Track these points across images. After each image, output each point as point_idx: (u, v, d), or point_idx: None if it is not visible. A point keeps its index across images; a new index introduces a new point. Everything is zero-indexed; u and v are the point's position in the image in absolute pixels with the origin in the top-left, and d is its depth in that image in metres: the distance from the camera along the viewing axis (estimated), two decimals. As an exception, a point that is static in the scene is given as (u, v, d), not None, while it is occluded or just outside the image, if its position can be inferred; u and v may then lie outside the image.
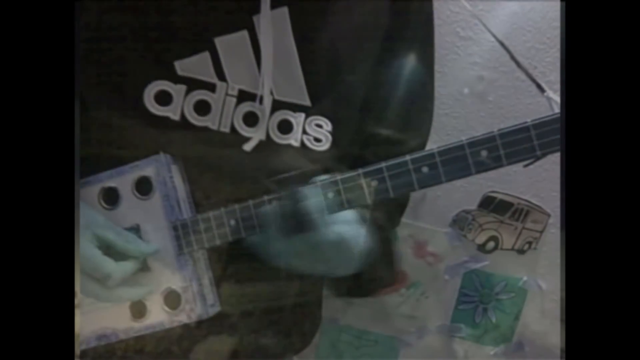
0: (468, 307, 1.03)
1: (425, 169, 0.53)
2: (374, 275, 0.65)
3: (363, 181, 0.54)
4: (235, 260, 0.63)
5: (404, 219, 0.83)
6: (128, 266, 0.58)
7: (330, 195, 0.54)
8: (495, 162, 0.52)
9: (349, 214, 0.56)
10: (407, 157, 0.53)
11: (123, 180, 0.61)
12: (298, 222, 0.53)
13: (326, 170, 0.63)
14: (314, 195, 0.53)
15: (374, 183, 0.54)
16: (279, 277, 0.65)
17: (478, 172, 0.52)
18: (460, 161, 0.52)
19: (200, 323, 0.62)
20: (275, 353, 0.70)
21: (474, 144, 0.52)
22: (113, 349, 0.62)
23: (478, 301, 1.03)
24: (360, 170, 0.54)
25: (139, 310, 0.61)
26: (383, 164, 0.54)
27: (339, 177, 0.54)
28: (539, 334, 1.04)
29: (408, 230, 0.98)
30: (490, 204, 0.99)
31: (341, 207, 0.54)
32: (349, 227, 0.56)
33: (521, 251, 1.03)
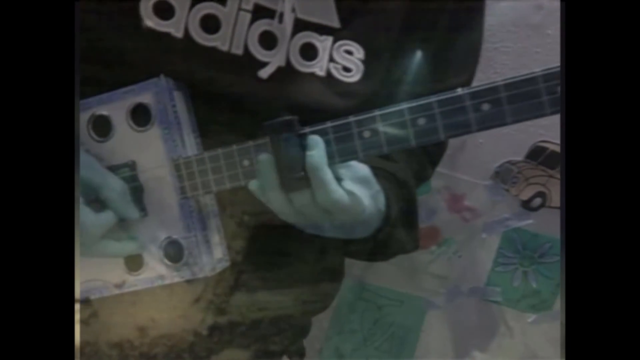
0: (506, 269, 0.99)
1: (486, 107, 0.46)
2: (393, 241, 0.61)
3: (407, 118, 0.47)
4: (248, 269, 0.62)
5: (439, 169, 0.78)
6: (108, 218, 0.54)
7: (367, 134, 0.48)
8: (576, 101, 0.45)
9: (362, 168, 0.53)
10: (465, 91, 0.46)
11: (116, 107, 0.55)
12: (290, 177, 0.49)
13: (356, 106, 0.57)
14: (314, 147, 0.48)
15: (422, 121, 0.47)
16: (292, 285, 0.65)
17: (553, 112, 0.45)
18: (532, 98, 0.45)
19: (212, 331, 0.61)
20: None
21: (551, 76, 0.44)
22: (126, 356, 0.62)
23: (518, 263, 0.99)
24: (405, 105, 0.47)
25: (134, 261, 0.56)
26: (434, 99, 0.47)
27: (377, 112, 0.48)
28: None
29: (443, 182, 0.93)
30: (540, 155, 0.93)
31: (380, 148, 0.48)
32: (360, 184, 0.52)
33: (571, 210, 0.96)
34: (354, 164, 0.51)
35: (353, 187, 0.50)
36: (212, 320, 0.61)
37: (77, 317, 0.58)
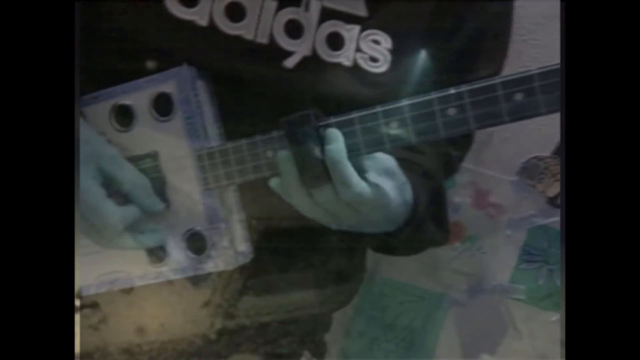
0: (531, 267, 0.97)
1: (518, 96, 0.44)
2: (423, 234, 0.59)
3: (437, 108, 0.46)
4: (256, 273, 0.61)
5: (464, 164, 0.76)
6: (130, 212, 0.53)
7: (394, 125, 0.47)
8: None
9: (387, 159, 0.52)
10: (497, 80, 0.45)
11: (139, 96, 0.55)
12: (310, 173, 0.47)
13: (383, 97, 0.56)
14: (332, 140, 0.47)
15: (452, 111, 0.46)
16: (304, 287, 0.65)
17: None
18: (567, 87, 0.43)
19: (220, 335, 0.62)
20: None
21: (587, 65, 0.43)
22: None
23: (543, 261, 0.97)
24: (434, 95, 0.46)
25: (157, 253, 0.56)
26: (464, 88, 0.45)
27: (405, 102, 0.47)
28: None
29: (468, 177, 0.92)
30: (568, 151, 0.90)
31: (407, 139, 0.47)
32: (386, 176, 0.51)
33: (599, 207, 0.94)
34: (379, 155, 0.50)
35: (378, 179, 0.49)
36: (220, 324, 0.61)
37: (77, 318, 0.58)
